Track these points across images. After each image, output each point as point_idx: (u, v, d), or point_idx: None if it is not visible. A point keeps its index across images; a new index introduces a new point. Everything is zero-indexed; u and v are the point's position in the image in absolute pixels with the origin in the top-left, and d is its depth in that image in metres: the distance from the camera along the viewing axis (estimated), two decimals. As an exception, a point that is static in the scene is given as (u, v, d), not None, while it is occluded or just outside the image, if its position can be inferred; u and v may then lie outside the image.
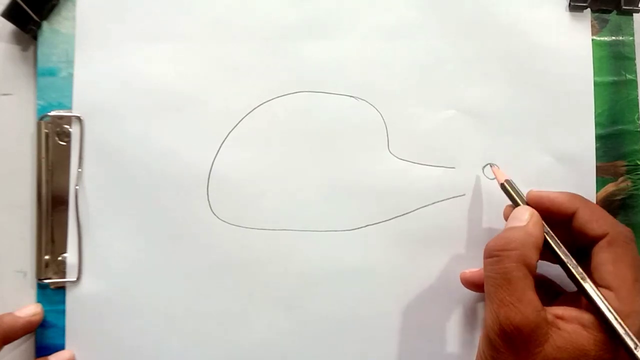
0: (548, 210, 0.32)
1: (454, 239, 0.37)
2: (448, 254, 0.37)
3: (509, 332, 0.27)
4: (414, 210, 0.37)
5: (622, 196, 0.37)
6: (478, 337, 0.36)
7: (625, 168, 0.37)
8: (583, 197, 0.32)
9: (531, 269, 0.29)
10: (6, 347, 0.35)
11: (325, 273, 0.37)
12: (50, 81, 0.37)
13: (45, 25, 0.37)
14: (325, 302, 0.37)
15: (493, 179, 0.36)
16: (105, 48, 0.37)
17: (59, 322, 0.37)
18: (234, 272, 0.37)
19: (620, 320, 0.27)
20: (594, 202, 0.37)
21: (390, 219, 0.37)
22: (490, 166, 0.37)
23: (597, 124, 0.37)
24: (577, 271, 0.30)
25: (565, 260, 0.30)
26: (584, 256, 0.31)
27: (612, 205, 0.37)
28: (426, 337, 0.37)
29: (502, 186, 0.34)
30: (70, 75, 0.37)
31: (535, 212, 0.31)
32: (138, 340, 0.37)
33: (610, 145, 0.37)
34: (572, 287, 0.30)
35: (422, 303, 0.37)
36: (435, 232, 0.37)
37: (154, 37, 0.37)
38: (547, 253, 0.31)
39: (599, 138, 0.37)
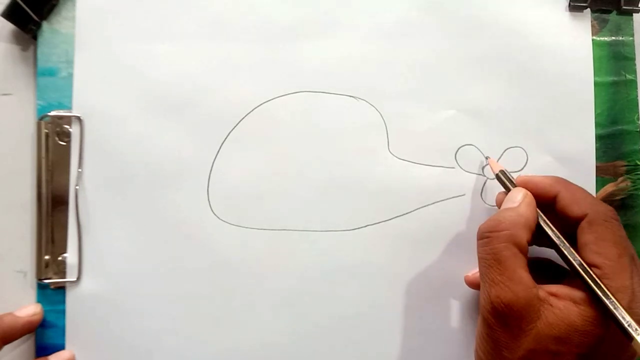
0: (534, 194, 0.32)
1: (454, 239, 0.37)
2: (448, 254, 0.37)
3: (500, 309, 0.28)
4: (414, 210, 0.37)
5: (621, 196, 0.37)
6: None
7: (624, 168, 0.37)
8: (565, 180, 0.33)
9: (522, 248, 0.29)
10: (6, 347, 0.35)
11: (325, 273, 0.37)
12: (50, 81, 0.37)
13: (45, 25, 0.37)
14: (325, 302, 0.37)
15: (493, 178, 0.36)
16: (105, 48, 0.37)
17: (59, 322, 0.37)
18: (234, 272, 0.37)
19: (610, 294, 0.28)
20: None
21: (390, 219, 0.37)
22: (486, 158, 0.37)
23: (597, 124, 0.37)
24: (567, 250, 0.30)
25: (555, 240, 0.31)
26: (573, 241, 0.31)
27: (612, 205, 0.37)
28: (426, 336, 0.37)
29: (497, 176, 0.35)
30: (70, 75, 0.37)
31: (529, 194, 0.32)
32: (138, 340, 0.37)
33: (610, 145, 0.37)
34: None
35: (422, 303, 0.37)
36: (435, 232, 0.37)
37: (154, 37, 0.37)
38: (543, 239, 0.31)
39: (598, 138, 0.37)
